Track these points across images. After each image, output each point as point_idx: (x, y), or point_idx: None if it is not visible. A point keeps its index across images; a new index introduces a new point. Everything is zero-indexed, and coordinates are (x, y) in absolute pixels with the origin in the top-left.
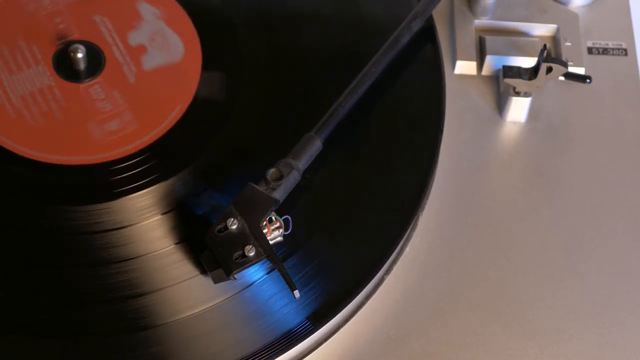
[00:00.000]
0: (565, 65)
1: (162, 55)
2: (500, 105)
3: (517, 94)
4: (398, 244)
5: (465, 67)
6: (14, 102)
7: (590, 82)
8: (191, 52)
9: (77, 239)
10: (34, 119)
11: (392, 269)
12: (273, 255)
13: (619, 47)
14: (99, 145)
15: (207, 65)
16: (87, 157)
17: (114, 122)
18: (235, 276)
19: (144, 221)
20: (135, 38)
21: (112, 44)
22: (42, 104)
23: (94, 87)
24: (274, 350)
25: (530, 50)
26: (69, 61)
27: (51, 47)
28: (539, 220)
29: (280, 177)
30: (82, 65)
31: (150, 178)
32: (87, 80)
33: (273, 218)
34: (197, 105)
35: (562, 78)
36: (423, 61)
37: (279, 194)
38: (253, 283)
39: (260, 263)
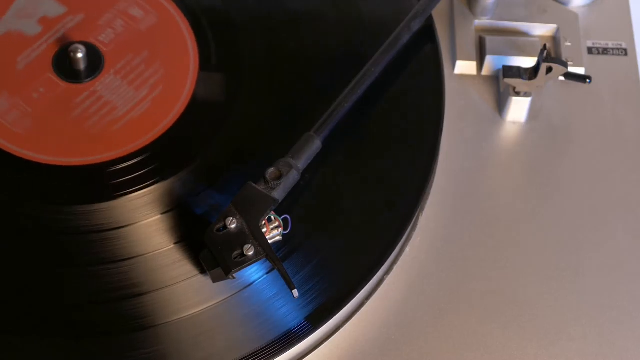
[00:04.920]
0: (565, 65)
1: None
2: (500, 105)
3: (517, 94)
4: (398, 244)
5: (465, 67)
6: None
7: (590, 82)
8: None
9: (77, 239)
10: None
11: (392, 269)
12: (272, 255)
13: (619, 47)
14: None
15: (205, 65)
16: (86, 157)
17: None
18: (234, 275)
19: (144, 221)
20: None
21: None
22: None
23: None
24: (274, 351)
25: (530, 50)
26: (69, 61)
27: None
28: (538, 220)
29: (279, 177)
30: (82, 65)
31: (150, 178)
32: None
33: (272, 217)
34: (197, 105)
35: (562, 78)
36: (423, 61)
37: (278, 194)
38: (252, 283)
39: (259, 262)
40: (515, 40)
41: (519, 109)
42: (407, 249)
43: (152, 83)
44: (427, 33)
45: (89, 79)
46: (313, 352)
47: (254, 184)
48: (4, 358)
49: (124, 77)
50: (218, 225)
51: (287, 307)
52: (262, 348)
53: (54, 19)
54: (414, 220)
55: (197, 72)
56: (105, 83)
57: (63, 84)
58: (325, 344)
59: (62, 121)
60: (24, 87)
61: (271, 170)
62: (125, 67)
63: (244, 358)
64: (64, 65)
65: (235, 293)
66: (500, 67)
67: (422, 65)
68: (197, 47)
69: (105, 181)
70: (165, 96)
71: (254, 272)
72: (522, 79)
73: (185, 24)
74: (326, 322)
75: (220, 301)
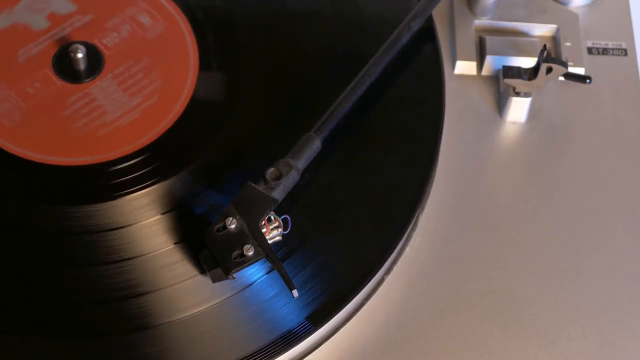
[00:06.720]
0: (565, 65)
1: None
2: (500, 105)
3: (517, 94)
4: (398, 244)
5: (465, 67)
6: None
7: (590, 82)
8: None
9: (77, 239)
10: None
11: (392, 269)
12: (272, 255)
13: (618, 47)
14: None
15: (205, 65)
16: (86, 157)
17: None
18: (234, 275)
19: (144, 221)
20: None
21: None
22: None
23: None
24: (274, 351)
25: (530, 50)
26: (69, 61)
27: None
28: (538, 220)
29: (279, 177)
30: (81, 66)
31: (150, 178)
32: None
33: (272, 217)
34: (197, 105)
35: (562, 78)
36: (423, 61)
37: (278, 194)
38: (253, 283)
39: (259, 263)
40: (515, 41)
41: (519, 109)
42: (407, 249)
43: (148, 91)
44: (427, 33)
45: (87, 80)
46: (313, 352)
47: (254, 184)
48: (4, 358)
49: (120, 82)
50: (218, 226)
51: (287, 307)
52: (262, 348)
53: (62, 17)
54: (414, 220)
55: (197, 72)
56: (101, 86)
57: (60, 83)
58: (325, 344)
59: (51, 119)
60: (21, 81)
61: (271, 170)
62: (124, 72)
63: (244, 358)
64: (63, 64)
65: (235, 293)
66: (500, 67)
67: (422, 65)
68: (197, 47)
69: (106, 181)
70: (160, 103)
71: (254, 272)
72: (522, 79)
73: (185, 24)
74: (326, 322)
75: (220, 301)
